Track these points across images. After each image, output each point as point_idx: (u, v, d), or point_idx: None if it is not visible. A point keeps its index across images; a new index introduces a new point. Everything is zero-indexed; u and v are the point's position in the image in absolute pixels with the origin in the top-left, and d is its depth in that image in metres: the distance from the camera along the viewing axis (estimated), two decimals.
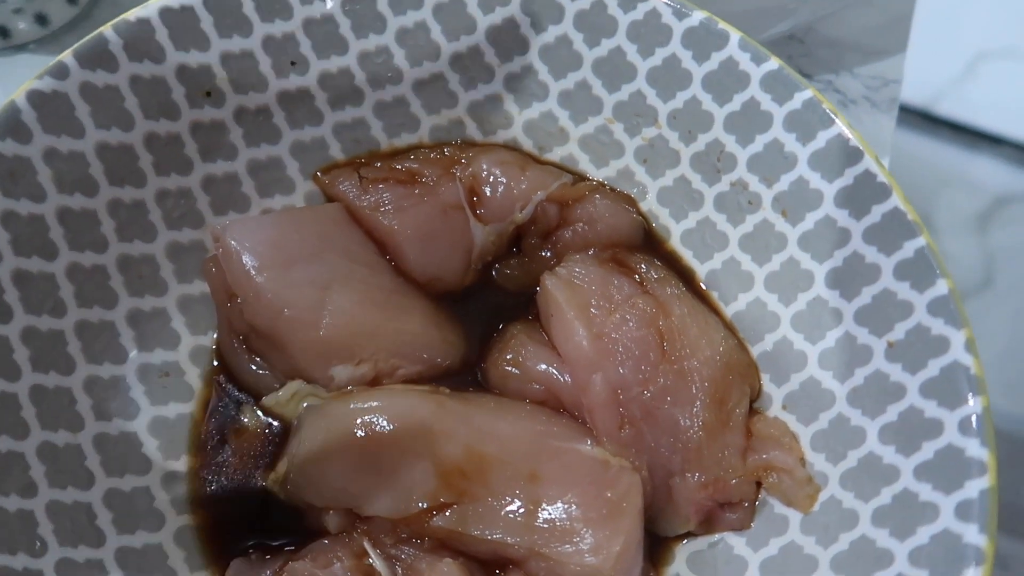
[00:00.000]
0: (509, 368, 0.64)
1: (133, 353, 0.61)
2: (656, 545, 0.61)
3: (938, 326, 0.50)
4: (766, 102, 0.59)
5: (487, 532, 0.57)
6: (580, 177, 0.70)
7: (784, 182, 0.59)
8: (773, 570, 0.55)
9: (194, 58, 0.61)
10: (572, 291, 0.64)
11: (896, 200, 0.52)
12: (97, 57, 0.57)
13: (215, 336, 0.65)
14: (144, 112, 0.60)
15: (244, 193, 0.66)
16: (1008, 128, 0.94)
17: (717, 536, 0.60)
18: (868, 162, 0.54)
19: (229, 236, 0.61)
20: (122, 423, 0.60)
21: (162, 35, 0.59)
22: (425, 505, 0.57)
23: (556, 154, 0.70)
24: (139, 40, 0.58)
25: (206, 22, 0.61)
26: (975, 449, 0.46)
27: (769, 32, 0.82)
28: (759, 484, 0.59)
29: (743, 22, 0.62)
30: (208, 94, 0.62)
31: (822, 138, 0.56)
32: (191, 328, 0.65)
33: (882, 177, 0.53)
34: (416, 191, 0.67)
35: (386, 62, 0.67)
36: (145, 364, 0.62)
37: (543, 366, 0.63)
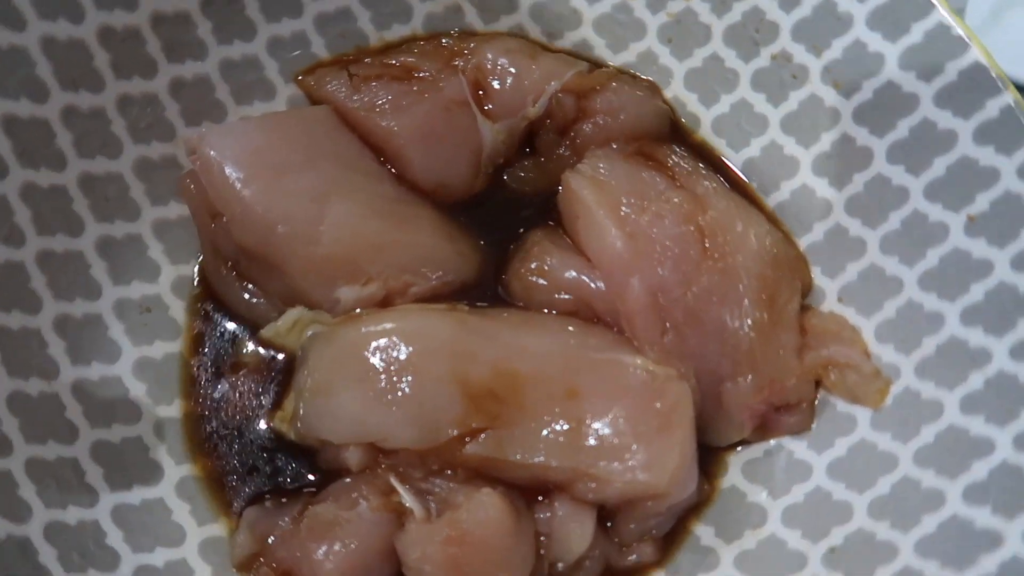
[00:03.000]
0: (534, 278, 0.58)
1: (107, 287, 0.54)
2: (707, 456, 0.56)
3: None
4: None
5: (528, 456, 0.51)
6: (596, 64, 0.62)
7: (836, 48, 0.53)
8: (843, 472, 0.51)
9: None
10: (599, 189, 0.57)
11: (976, 54, 0.46)
12: None
13: (199, 263, 0.58)
14: (96, 2, 0.50)
15: (218, 99, 0.58)
16: None
17: (773, 442, 0.55)
18: (940, 14, 0.48)
19: (207, 145, 0.53)
20: (103, 367, 0.52)
21: None
22: (456, 432, 0.51)
23: (568, 40, 0.63)
24: None
25: None
26: None
27: None
28: (818, 384, 0.55)
29: None
30: None
31: None
32: (171, 256, 0.57)
33: (958, 29, 0.47)
34: (415, 88, 0.59)
35: None
36: (122, 299, 0.54)
37: (572, 273, 0.57)
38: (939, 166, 0.49)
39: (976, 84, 0.47)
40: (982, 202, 0.47)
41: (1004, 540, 0.41)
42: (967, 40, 0.47)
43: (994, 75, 0.46)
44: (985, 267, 0.46)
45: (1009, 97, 0.45)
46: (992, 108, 0.46)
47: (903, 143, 0.51)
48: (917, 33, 0.49)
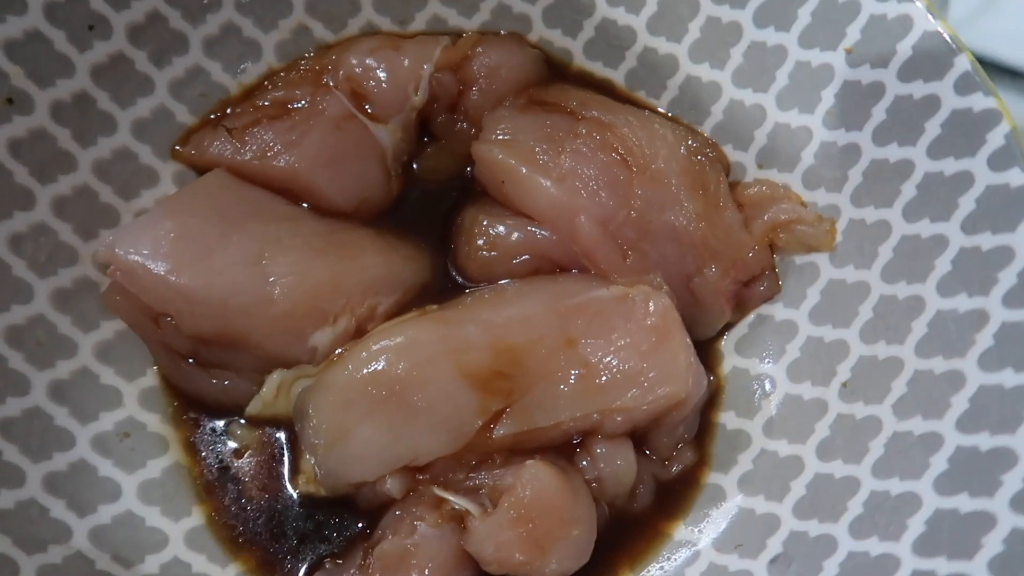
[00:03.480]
0: (485, 253, 0.58)
1: (78, 430, 0.51)
2: (701, 351, 0.58)
3: (892, 7, 0.48)
4: None
5: (553, 417, 0.53)
6: (457, 35, 0.62)
7: None
8: (823, 315, 0.55)
9: None
10: (511, 148, 0.58)
11: None
12: None
13: (156, 370, 0.55)
14: None
15: (106, 203, 0.55)
16: None
17: (752, 315, 0.59)
18: None
19: (121, 251, 0.50)
20: (110, 507, 0.49)
21: None
22: (480, 423, 0.52)
23: (420, 21, 0.63)
24: None
25: None
26: (980, 101, 0.46)
27: None
28: (772, 247, 0.58)
29: None
30: (10, 101, 0.49)
31: None
32: (125, 375, 0.54)
33: None
34: (296, 119, 0.58)
35: None
36: (98, 435, 0.51)
37: (518, 234, 0.58)
38: (804, 15, 0.52)
39: None
40: (853, 33, 0.50)
41: (989, 318, 0.45)
42: None
43: None
44: (879, 89, 0.50)
45: None
46: None
47: (766, 5, 0.54)
48: None
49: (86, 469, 0.50)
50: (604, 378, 0.54)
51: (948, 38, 0.47)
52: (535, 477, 0.51)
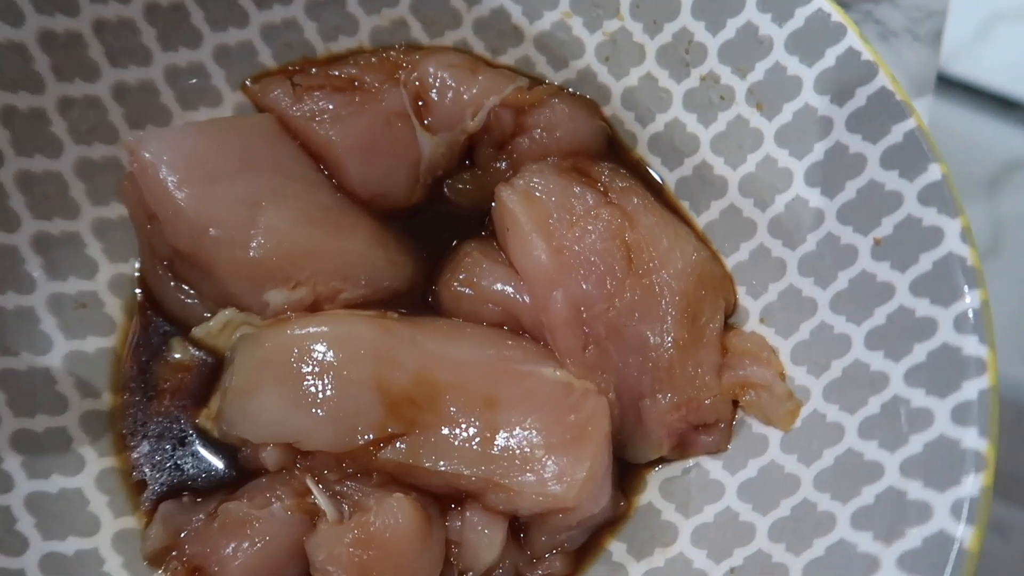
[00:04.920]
0: (462, 288, 0.59)
1: (42, 281, 0.55)
2: (627, 472, 0.56)
3: (930, 216, 0.44)
4: None
5: (440, 463, 0.52)
6: (537, 81, 0.63)
7: (759, 71, 0.53)
8: (752, 493, 0.51)
9: None
10: (530, 203, 0.58)
11: (883, 79, 0.46)
12: None
13: (137, 264, 0.59)
14: (35, 5, 0.52)
15: (163, 104, 0.60)
16: (1021, 92, 0.89)
17: (691, 461, 0.55)
18: (851, 39, 0.48)
19: (144, 148, 0.54)
20: (31, 358, 0.53)
21: None
22: (372, 437, 0.52)
23: (510, 56, 0.64)
24: None
25: None
26: (973, 346, 0.41)
27: None
28: (736, 403, 0.55)
29: None
30: None
31: (800, 16, 0.50)
32: (109, 255, 0.58)
33: (867, 55, 0.47)
34: (356, 99, 0.61)
35: None
36: (57, 294, 0.56)
37: (499, 285, 0.58)
38: (851, 189, 0.49)
39: (883, 108, 0.47)
40: (887, 225, 0.47)
41: (880, 565, 0.41)
42: (875, 64, 0.47)
43: (898, 99, 0.46)
44: (888, 290, 0.46)
45: (912, 122, 0.45)
46: (897, 133, 0.46)
47: (819, 166, 0.51)
48: (830, 57, 0.49)
49: (30, 318, 0.54)
50: (503, 450, 0.52)
51: (972, 264, 0.43)
52: (393, 510, 0.50)
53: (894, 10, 0.82)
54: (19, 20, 0.52)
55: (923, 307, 0.44)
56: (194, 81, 0.60)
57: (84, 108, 0.56)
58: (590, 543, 0.55)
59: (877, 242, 0.47)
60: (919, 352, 0.44)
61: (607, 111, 0.63)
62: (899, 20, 0.81)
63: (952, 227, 0.43)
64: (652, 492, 0.56)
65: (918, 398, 0.43)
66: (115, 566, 0.51)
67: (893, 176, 0.46)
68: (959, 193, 0.45)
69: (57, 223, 0.56)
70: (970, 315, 0.42)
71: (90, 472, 0.53)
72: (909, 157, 0.46)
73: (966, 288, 0.42)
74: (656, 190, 0.61)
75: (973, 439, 0.39)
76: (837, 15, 0.49)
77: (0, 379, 0.52)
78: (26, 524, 0.49)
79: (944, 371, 0.42)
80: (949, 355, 0.42)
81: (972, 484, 0.38)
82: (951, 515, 0.39)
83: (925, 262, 0.45)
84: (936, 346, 0.43)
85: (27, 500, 0.50)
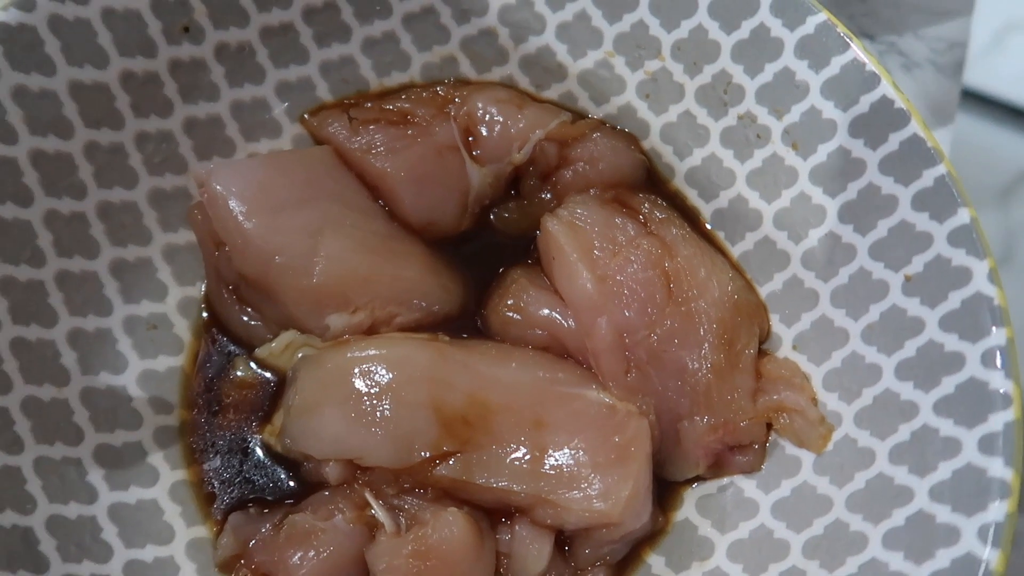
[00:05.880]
0: (510, 314, 0.62)
1: (118, 305, 0.59)
2: (665, 490, 0.60)
3: (959, 257, 0.48)
4: (776, 28, 0.56)
5: (492, 480, 0.55)
6: (580, 115, 0.67)
7: (795, 113, 0.56)
8: (785, 512, 0.54)
9: None
10: (574, 233, 0.61)
11: (915, 127, 0.50)
12: None
13: (204, 287, 0.63)
14: (119, 48, 0.56)
15: (228, 136, 0.63)
16: None
17: (727, 480, 0.59)
18: (885, 87, 0.51)
19: (214, 180, 0.58)
20: (109, 377, 0.57)
21: None
22: (428, 454, 0.56)
23: (554, 91, 0.67)
24: None
25: None
26: (999, 381, 0.44)
27: None
28: (769, 426, 0.58)
29: None
30: (186, 29, 0.59)
31: (836, 64, 0.53)
32: (178, 278, 0.62)
33: (900, 103, 0.50)
34: (409, 132, 0.64)
35: None
36: (131, 316, 0.59)
37: (546, 311, 0.61)
38: (882, 228, 0.52)
39: (915, 153, 0.50)
40: (917, 263, 0.50)
41: None
42: (908, 112, 0.50)
43: (929, 146, 0.49)
44: (918, 324, 0.49)
45: (943, 168, 0.49)
46: (928, 177, 0.49)
47: (852, 205, 0.54)
48: (864, 103, 0.52)
49: (108, 339, 0.58)
50: (551, 469, 0.56)
51: (999, 304, 0.46)
52: (449, 524, 0.54)
53: (917, 41, 0.85)
54: (104, 62, 0.56)
55: (952, 342, 0.47)
56: (257, 115, 0.64)
57: (158, 142, 0.60)
58: (630, 556, 0.58)
59: (908, 279, 0.51)
60: (947, 384, 0.47)
61: (646, 144, 0.66)
62: (922, 51, 0.84)
63: (980, 268, 0.47)
64: (689, 509, 0.59)
65: (946, 428, 0.46)
66: (189, 572, 0.55)
67: (924, 218, 0.49)
68: (972, 201, 0.47)
69: (132, 249, 0.60)
70: (997, 352, 0.45)
71: (164, 484, 0.57)
72: (939, 201, 0.49)
73: (993, 327, 0.45)
74: (693, 219, 0.64)
75: (999, 468, 0.43)
76: (871, 65, 0.52)
77: (83, 397, 0.55)
78: (110, 533, 0.53)
79: (971, 403, 0.45)
80: (976, 388, 0.45)
81: (998, 510, 0.42)
82: (978, 538, 0.42)
83: (954, 300, 0.48)
84: (964, 379, 0.46)
85: (110, 510, 0.54)
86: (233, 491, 0.58)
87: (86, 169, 0.56)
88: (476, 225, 0.66)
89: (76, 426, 0.54)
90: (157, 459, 0.58)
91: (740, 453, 0.58)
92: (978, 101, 1.08)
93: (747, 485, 0.58)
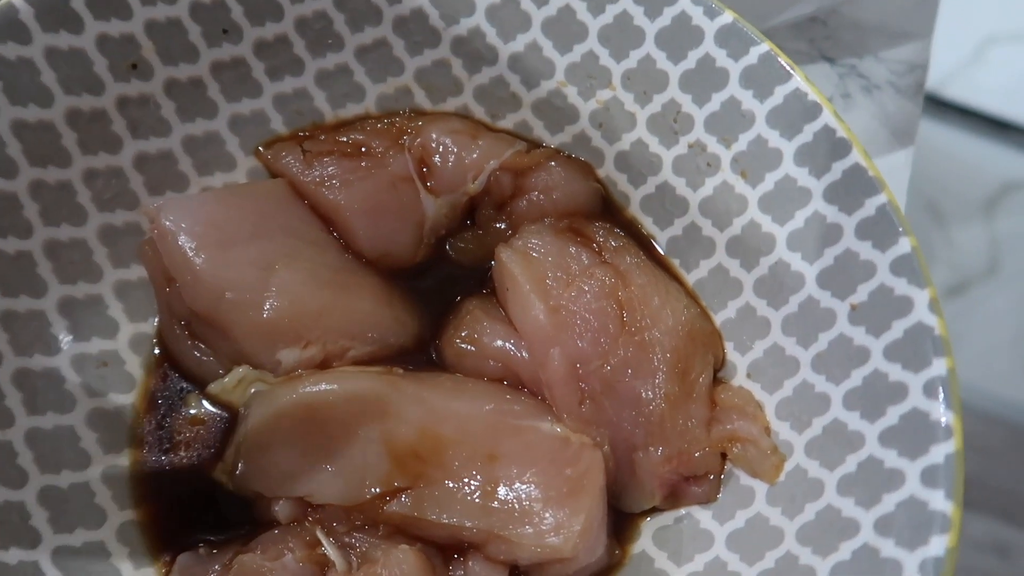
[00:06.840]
0: (464, 345, 0.62)
1: (67, 343, 0.58)
2: (621, 522, 0.59)
3: (901, 286, 0.47)
4: (721, 58, 0.56)
5: (444, 516, 0.55)
6: (534, 144, 0.67)
7: (743, 141, 0.57)
8: (739, 543, 0.54)
9: (116, 27, 0.57)
10: (528, 263, 0.61)
11: (856, 156, 0.50)
12: (7, 28, 0.53)
13: (156, 323, 0.62)
14: (64, 87, 0.56)
15: (181, 171, 0.63)
16: (1016, 113, 0.91)
17: (683, 510, 0.58)
18: (827, 117, 0.51)
19: (164, 216, 0.58)
20: (56, 417, 0.56)
21: (78, 3, 0.55)
22: (379, 490, 0.55)
23: (509, 121, 0.67)
24: (53, 9, 0.54)
25: None
26: (940, 412, 0.44)
27: (791, 13, 0.78)
28: (724, 456, 0.57)
29: (764, 2, 0.59)
30: (134, 66, 0.59)
31: (779, 93, 0.54)
32: (130, 315, 0.61)
33: (841, 132, 0.50)
34: (363, 164, 0.64)
35: (325, 28, 0.64)
36: (81, 354, 0.59)
37: (500, 342, 0.61)
38: (829, 256, 0.52)
39: (857, 182, 0.50)
40: (862, 292, 0.50)
41: None
42: (849, 141, 0.50)
43: (871, 175, 0.49)
44: (863, 354, 0.49)
45: (884, 197, 0.48)
46: (870, 206, 0.49)
47: (799, 233, 0.54)
48: (808, 132, 0.52)
49: (55, 377, 0.57)
50: (504, 503, 0.55)
51: (939, 334, 0.46)
52: (399, 561, 0.53)
53: (878, 64, 0.85)
54: (48, 101, 0.55)
55: (895, 372, 0.47)
56: (210, 149, 0.64)
57: (107, 178, 0.60)
58: None
59: (853, 307, 0.50)
60: (892, 415, 0.47)
61: (601, 173, 0.66)
62: (882, 73, 0.85)
63: (921, 298, 0.46)
64: (646, 540, 0.58)
65: (891, 459, 0.46)
66: None
67: (867, 246, 0.49)
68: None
69: (81, 287, 0.59)
70: (938, 384, 0.44)
71: (112, 524, 0.56)
72: (881, 230, 0.49)
73: (934, 357, 0.45)
74: (648, 247, 0.64)
75: (940, 501, 0.42)
76: (813, 94, 0.52)
77: (28, 438, 0.55)
78: None
79: (914, 434, 0.45)
80: (919, 419, 0.45)
81: (938, 544, 0.41)
82: (919, 574, 0.41)
83: (897, 329, 0.47)
84: (907, 410, 0.46)
85: (54, 554, 0.53)
86: (183, 531, 0.58)
87: (31, 208, 0.56)
88: (432, 256, 0.66)
89: (20, 468, 0.54)
90: (105, 499, 0.57)
91: (696, 484, 0.58)
92: (960, 114, 1.08)
93: (703, 516, 0.57)
